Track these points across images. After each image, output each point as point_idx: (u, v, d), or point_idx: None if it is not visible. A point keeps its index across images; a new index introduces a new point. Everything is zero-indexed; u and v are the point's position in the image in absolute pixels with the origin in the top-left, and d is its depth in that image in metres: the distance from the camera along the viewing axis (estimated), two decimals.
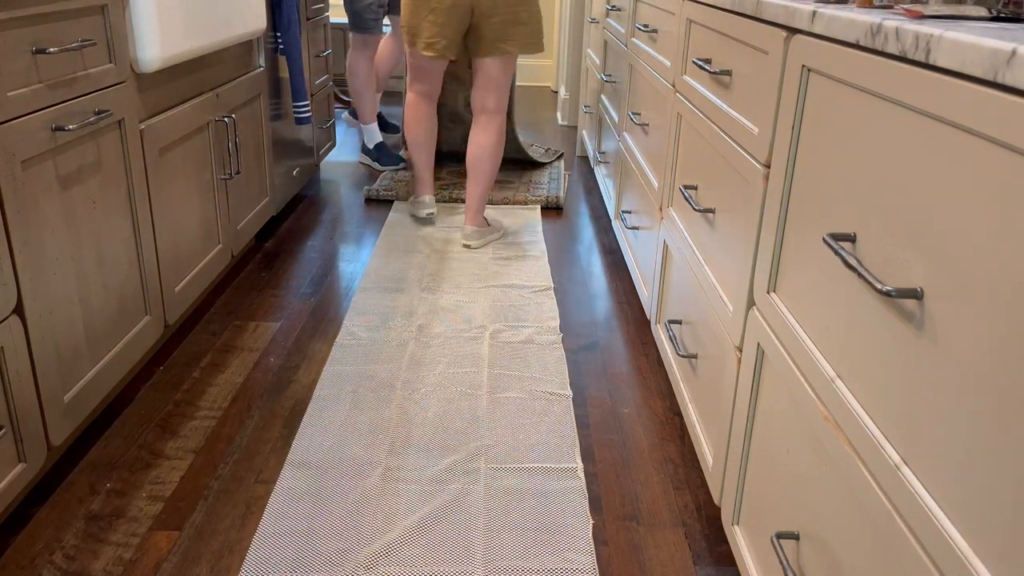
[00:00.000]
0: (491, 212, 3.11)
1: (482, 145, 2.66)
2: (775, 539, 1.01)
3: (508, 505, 1.48)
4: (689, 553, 1.40)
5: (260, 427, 1.72)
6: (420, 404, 1.80)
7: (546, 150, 3.92)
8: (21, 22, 1.32)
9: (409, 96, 2.80)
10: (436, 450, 1.64)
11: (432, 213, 2.88)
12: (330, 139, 3.55)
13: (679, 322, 1.70)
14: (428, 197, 2.89)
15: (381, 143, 3.64)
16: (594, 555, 1.37)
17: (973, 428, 0.65)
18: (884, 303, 0.80)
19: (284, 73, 2.83)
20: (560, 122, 4.75)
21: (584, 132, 3.80)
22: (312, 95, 3.16)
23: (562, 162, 3.75)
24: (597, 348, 2.08)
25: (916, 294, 0.73)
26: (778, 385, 1.08)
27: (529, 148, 3.83)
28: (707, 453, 1.43)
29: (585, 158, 3.94)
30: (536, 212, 3.11)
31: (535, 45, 2.58)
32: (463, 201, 3.17)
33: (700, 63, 1.49)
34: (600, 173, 3.11)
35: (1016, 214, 0.60)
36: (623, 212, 2.48)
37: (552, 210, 3.16)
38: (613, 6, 2.87)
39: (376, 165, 3.63)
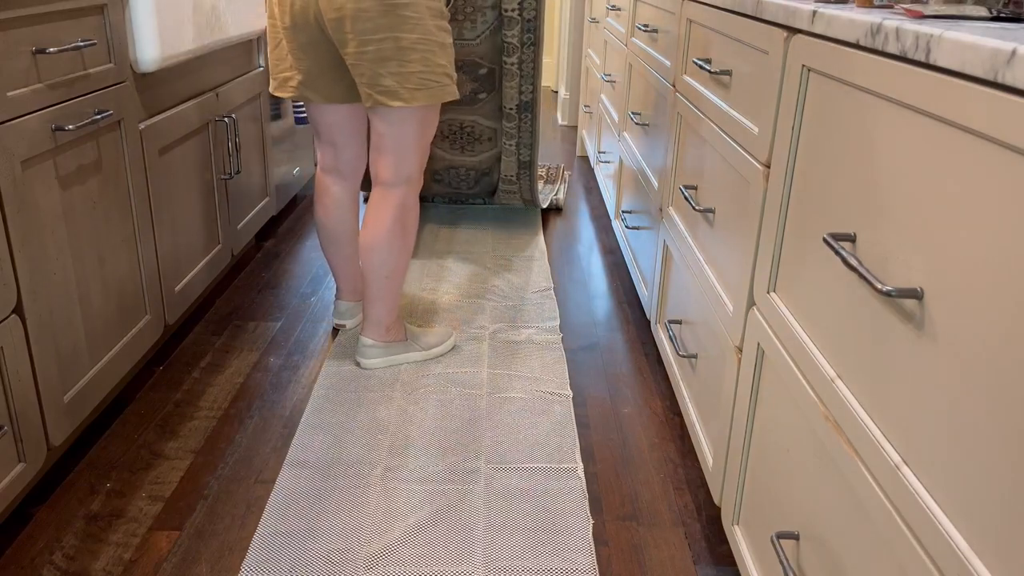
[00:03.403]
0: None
1: (370, 229, 1.84)
2: (775, 539, 1.01)
3: (508, 505, 1.48)
4: (689, 553, 1.40)
5: (260, 427, 1.72)
6: (420, 404, 1.80)
7: (546, 170, 3.58)
8: (21, 22, 1.32)
9: (317, 169, 2.04)
10: (436, 450, 1.64)
11: (343, 325, 2.13)
12: None
13: (679, 322, 1.70)
14: (344, 302, 2.13)
15: None
16: (594, 555, 1.37)
17: (973, 428, 0.65)
18: (884, 303, 0.80)
19: None
20: (560, 122, 4.75)
21: (584, 132, 3.80)
22: None
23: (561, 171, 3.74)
24: (597, 348, 2.08)
25: (916, 294, 0.73)
26: (778, 385, 1.08)
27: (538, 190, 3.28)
28: (707, 453, 1.43)
29: (585, 158, 3.94)
30: (536, 212, 3.11)
31: (435, 90, 1.70)
32: (461, 202, 3.15)
33: (700, 63, 1.49)
34: (600, 173, 3.11)
35: (1016, 214, 0.60)
36: (623, 212, 2.49)
37: (552, 210, 3.16)
38: (613, 6, 2.87)
39: None
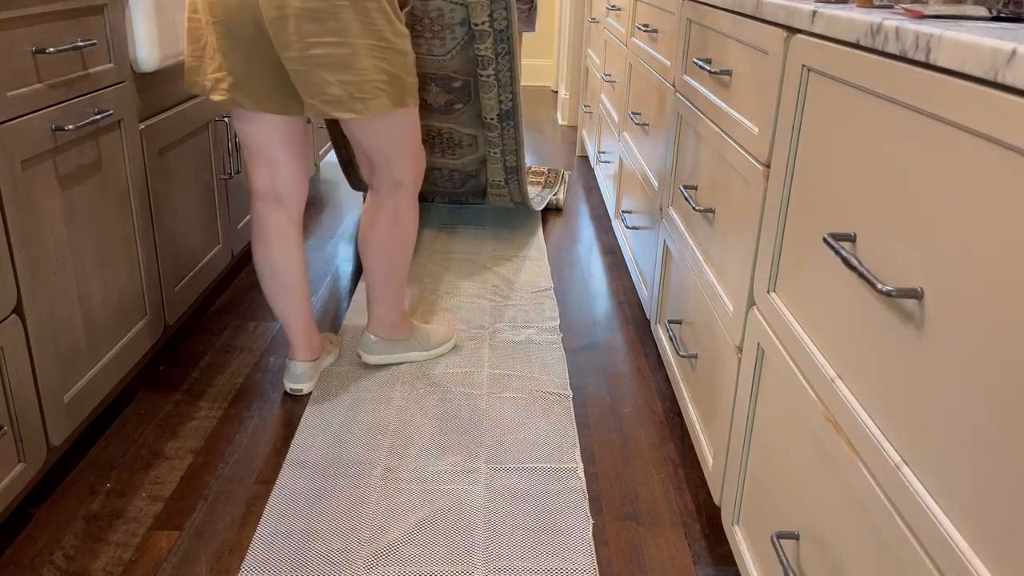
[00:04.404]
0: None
1: (366, 230, 1.79)
2: (775, 539, 1.01)
3: (508, 505, 1.48)
4: (689, 553, 1.40)
5: (260, 427, 1.72)
6: (420, 404, 1.80)
7: (545, 177, 3.51)
8: (21, 22, 1.32)
9: (251, 199, 1.74)
10: (436, 450, 1.64)
11: (299, 390, 1.83)
12: (329, 139, 3.55)
13: (679, 322, 1.70)
14: (299, 364, 1.83)
15: None
16: (594, 555, 1.37)
17: (973, 428, 0.65)
18: (884, 303, 0.80)
19: None
20: (560, 122, 4.75)
21: (584, 132, 3.80)
22: None
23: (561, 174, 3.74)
24: (597, 348, 2.08)
25: (916, 294, 0.73)
26: (778, 385, 1.08)
27: (531, 195, 3.15)
28: (707, 453, 1.43)
29: (585, 158, 3.94)
30: (536, 212, 3.11)
31: (387, 96, 1.53)
32: (460, 202, 3.12)
33: (700, 63, 1.49)
34: (600, 173, 3.11)
35: (1016, 214, 0.60)
36: (623, 212, 2.48)
37: (552, 210, 3.16)
38: (613, 6, 2.87)
39: None
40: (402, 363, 1.95)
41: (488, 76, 2.37)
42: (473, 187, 2.87)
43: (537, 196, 3.18)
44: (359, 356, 1.94)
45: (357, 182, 2.91)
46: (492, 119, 2.51)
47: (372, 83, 1.50)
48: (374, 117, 1.58)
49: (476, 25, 2.25)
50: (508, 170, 2.69)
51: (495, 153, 2.63)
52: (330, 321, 2.19)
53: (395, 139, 1.66)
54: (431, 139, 2.67)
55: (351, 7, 1.45)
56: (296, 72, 1.48)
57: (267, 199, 1.71)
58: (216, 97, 1.56)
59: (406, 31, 1.55)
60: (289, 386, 1.84)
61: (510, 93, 2.44)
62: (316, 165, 3.29)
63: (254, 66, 1.52)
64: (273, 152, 1.67)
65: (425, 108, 2.56)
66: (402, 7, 1.56)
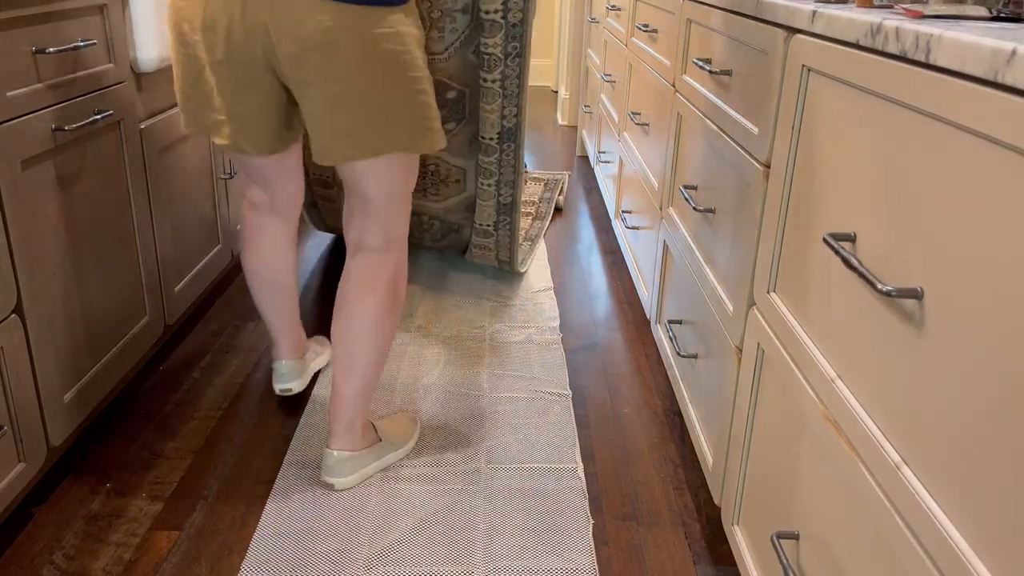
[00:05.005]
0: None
1: (356, 308, 1.46)
2: (775, 539, 1.01)
3: (508, 505, 1.48)
4: (689, 553, 1.40)
5: (260, 427, 1.72)
6: (420, 404, 1.80)
7: (545, 183, 3.32)
8: (21, 22, 1.32)
9: (244, 205, 1.65)
10: (436, 450, 1.64)
11: (288, 390, 1.76)
12: None
13: (679, 322, 1.70)
14: (285, 362, 1.75)
15: None
16: (594, 555, 1.37)
17: (973, 428, 0.65)
18: (884, 303, 0.80)
19: None
20: (560, 122, 4.75)
21: (584, 132, 3.80)
22: None
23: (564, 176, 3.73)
24: (597, 348, 2.08)
25: (916, 294, 0.73)
26: (778, 385, 1.08)
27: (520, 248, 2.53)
28: (707, 453, 1.43)
29: (585, 158, 3.94)
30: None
31: (423, 139, 1.36)
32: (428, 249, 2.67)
33: (700, 63, 1.49)
34: (600, 173, 3.11)
35: (1016, 214, 0.60)
36: (623, 212, 2.49)
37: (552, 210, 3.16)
38: (613, 6, 2.87)
39: None
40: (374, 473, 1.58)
41: (493, 82, 1.98)
42: (454, 241, 2.47)
43: (525, 250, 2.67)
44: (325, 481, 1.52)
45: (324, 221, 2.59)
46: (491, 139, 2.08)
47: (404, 121, 1.32)
48: (391, 158, 1.38)
49: (486, 14, 1.88)
50: (501, 209, 2.23)
51: (489, 186, 2.18)
52: (329, 321, 2.18)
53: (405, 183, 1.44)
54: None
55: (385, 36, 1.25)
56: (316, 115, 1.29)
57: (261, 211, 1.62)
58: (219, 141, 1.40)
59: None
60: (278, 387, 1.75)
61: (515, 107, 2.03)
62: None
63: (259, 108, 1.36)
64: (270, 178, 1.57)
65: None
66: None
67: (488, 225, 2.28)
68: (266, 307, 1.70)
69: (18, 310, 1.34)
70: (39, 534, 1.40)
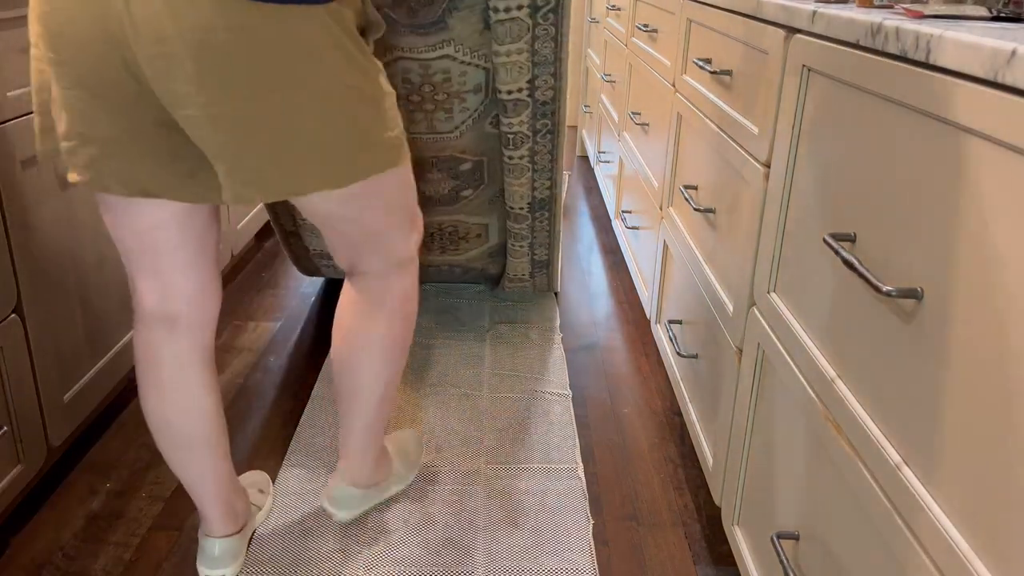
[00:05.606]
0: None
1: (356, 339, 1.25)
2: (775, 539, 1.01)
3: (508, 505, 1.48)
4: (689, 553, 1.40)
5: (260, 427, 1.72)
6: (420, 404, 1.80)
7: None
8: (21, 22, 1.32)
9: (134, 317, 1.17)
10: (436, 450, 1.64)
11: None
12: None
13: (679, 322, 1.70)
14: (217, 542, 1.28)
15: None
16: (594, 555, 1.37)
17: (973, 428, 0.65)
18: (884, 303, 0.80)
19: None
20: None
21: (584, 132, 3.80)
22: None
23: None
24: (597, 348, 2.08)
25: (916, 294, 0.73)
26: (778, 385, 1.08)
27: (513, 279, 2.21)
28: (707, 453, 1.43)
29: (585, 158, 3.94)
30: None
31: (368, 163, 1.04)
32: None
33: (700, 63, 1.49)
34: (600, 173, 3.11)
35: (1016, 214, 0.60)
36: (623, 212, 2.49)
37: None
38: (613, 6, 2.87)
39: None
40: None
41: (520, 158, 1.79)
42: (477, 277, 2.33)
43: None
44: (326, 510, 1.42)
45: (307, 262, 2.21)
46: (521, 209, 1.91)
47: (331, 146, 0.98)
48: (345, 191, 1.05)
49: (508, 94, 1.69)
50: (536, 264, 2.09)
51: (520, 247, 2.03)
52: (329, 321, 2.14)
53: (384, 208, 1.14)
54: (429, 237, 2.07)
55: (285, 37, 0.91)
56: (202, 139, 0.94)
57: (155, 325, 1.14)
58: (71, 177, 1.00)
59: (378, 63, 1.06)
60: (205, 573, 1.28)
61: (549, 179, 1.85)
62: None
63: (125, 129, 0.96)
64: (164, 257, 1.09)
65: (424, 200, 1.94)
66: (362, 34, 1.05)
67: (523, 274, 2.14)
68: (184, 470, 1.23)
69: (18, 310, 1.34)
70: (39, 534, 1.40)
